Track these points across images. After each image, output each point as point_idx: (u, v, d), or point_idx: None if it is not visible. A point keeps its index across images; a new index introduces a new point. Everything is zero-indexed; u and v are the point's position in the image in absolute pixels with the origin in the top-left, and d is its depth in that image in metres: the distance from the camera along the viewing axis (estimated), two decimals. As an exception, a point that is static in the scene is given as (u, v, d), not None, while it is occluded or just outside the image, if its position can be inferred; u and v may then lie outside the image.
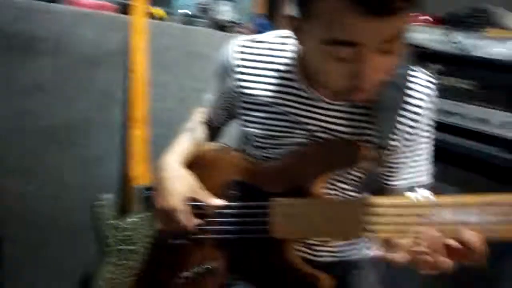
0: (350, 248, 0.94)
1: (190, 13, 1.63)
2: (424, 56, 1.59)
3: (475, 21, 1.59)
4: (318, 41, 0.62)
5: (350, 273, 0.94)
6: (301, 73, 0.80)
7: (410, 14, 0.59)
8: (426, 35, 1.66)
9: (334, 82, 0.67)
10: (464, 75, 1.49)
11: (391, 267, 0.65)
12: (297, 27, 0.67)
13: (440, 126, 1.48)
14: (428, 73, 0.82)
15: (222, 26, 1.66)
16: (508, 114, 1.37)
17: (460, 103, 1.48)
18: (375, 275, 0.94)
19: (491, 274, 1.37)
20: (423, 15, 1.74)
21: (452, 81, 1.52)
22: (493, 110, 1.41)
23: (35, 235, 1.36)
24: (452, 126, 1.49)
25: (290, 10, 0.67)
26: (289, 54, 0.82)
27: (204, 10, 1.66)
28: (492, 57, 1.50)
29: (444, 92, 1.52)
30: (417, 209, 0.66)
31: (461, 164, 1.44)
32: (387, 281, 0.95)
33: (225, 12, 1.67)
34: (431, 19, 1.73)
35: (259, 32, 1.48)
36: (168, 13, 1.60)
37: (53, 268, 1.42)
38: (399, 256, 0.63)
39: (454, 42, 1.57)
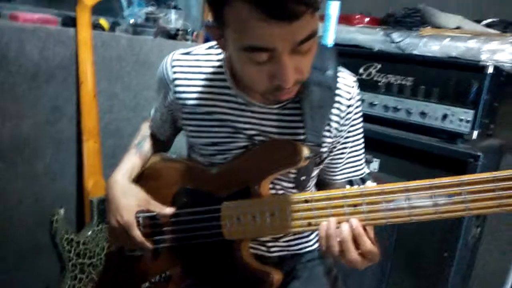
0: (301, 242, 0.99)
1: (138, 22, 1.63)
2: (367, 56, 1.67)
3: (410, 20, 1.69)
4: (236, 48, 0.65)
5: (300, 265, 0.99)
6: (232, 80, 0.84)
7: (317, 15, 0.62)
8: (367, 36, 1.75)
9: (258, 84, 0.71)
10: (404, 72, 1.57)
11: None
12: (218, 36, 0.70)
13: (385, 121, 1.58)
14: (351, 72, 0.88)
15: (172, 35, 1.67)
16: (445, 107, 1.47)
17: (403, 99, 1.57)
18: (324, 266, 0.99)
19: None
20: (366, 17, 1.83)
21: (393, 79, 1.60)
22: (432, 104, 1.50)
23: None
24: (396, 121, 1.57)
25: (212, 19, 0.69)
26: (220, 63, 0.86)
27: (153, 19, 1.66)
28: (428, 54, 1.61)
29: (387, 89, 1.61)
30: (350, 199, 0.71)
31: (406, 155, 1.52)
32: (337, 271, 1.01)
33: (174, 21, 1.69)
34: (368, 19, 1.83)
35: (210, 39, 1.51)
36: (116, 23, 1.60)
37: (8, 285, 1.39)
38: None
39: (393, 42, 1.67)
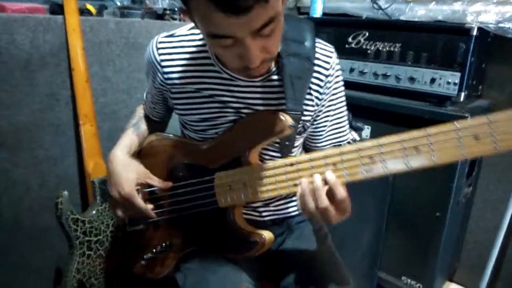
0: (290, 205, 1.05)
1: (125, 4, 1.64)
2: (355, 24, 1.68)
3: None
4: (203, 34, 0.71)
5: (291, 227, 1.05)
6: (215, 57, 0.87)
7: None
8: (354, 4, 1.76)
9: (230, 64, 0.77)
10: (391, 39, 1.58)
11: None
12: (189, 18, 0.74)
13: (375, 88, 1.60)
14: (328, 44, 0.91)
15: (159, 15, 1.68)
16: (433, 71, 1.49)
17: (392, 66, 1.59)
18: (314, 225, 1.05)
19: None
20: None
21: (381, 46, 1.61)
22: (420, 69, 1.52)
23: (1, 238, 1.39)
24: (386, 87, 1.60)
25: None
26: (202, 42, 0.89)
27: (139, 0, 1.67)
28: (415, 19, 1.62)
29: (376, 56, 1.63)
30: (330, 159, 0.76)
31: (397, 121, 1.55)
32: (327, 229, 1.07)
33: (160, 0, 1.70)
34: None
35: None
36: (102, 6, 1.61)
37: (24, 267, 1.46)
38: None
39: (380, 8, 1.68)
